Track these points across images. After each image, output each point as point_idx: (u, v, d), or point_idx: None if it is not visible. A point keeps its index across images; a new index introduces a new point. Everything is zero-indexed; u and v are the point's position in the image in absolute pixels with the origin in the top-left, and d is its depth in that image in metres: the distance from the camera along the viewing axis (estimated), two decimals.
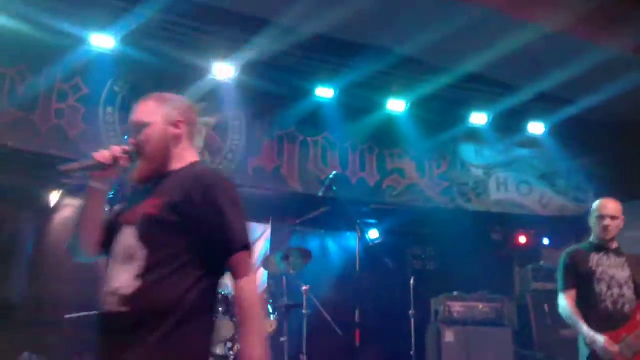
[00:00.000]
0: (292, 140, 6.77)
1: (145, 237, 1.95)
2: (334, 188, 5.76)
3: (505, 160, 7.60)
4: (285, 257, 5.34)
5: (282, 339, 5.09)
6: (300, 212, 7.37)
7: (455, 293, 6.46)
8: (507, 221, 7.67)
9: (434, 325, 6.42)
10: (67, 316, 5.08)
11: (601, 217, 3.75)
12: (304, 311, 5.13)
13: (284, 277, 5.69)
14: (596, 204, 3.83)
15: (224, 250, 1.98)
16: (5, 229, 5.80)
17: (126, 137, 5.51)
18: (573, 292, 3.69)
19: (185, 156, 2.20)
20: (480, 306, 6.31)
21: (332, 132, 6.92)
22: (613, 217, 3.74)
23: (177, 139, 2.19)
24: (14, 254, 5.71)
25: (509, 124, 7.44)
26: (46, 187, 6.20)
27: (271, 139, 6.67)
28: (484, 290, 6.52)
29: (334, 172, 5.85)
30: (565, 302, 3.67)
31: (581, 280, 3.67)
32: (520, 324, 6.73)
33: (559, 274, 3.79)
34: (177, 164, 2.17)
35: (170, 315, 1.88)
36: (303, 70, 6.41)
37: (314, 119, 6.75)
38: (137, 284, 1.90)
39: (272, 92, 6.52)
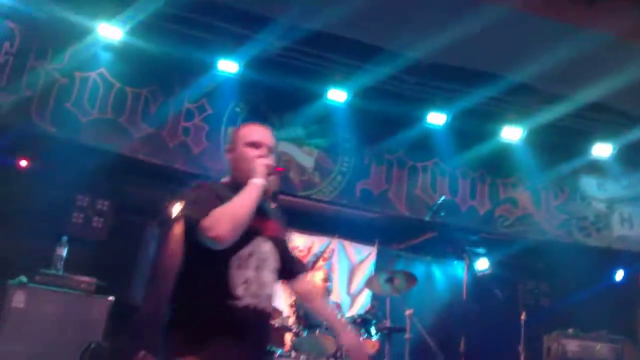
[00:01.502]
0: (402, 165, 6.79)
1: (277, 253, 2.43)
2: (442, 214, 5.69)
3: (630, 195, 7.11)
4: (390, 279, 5.31)
5: None
6: (406, 236, 7.33)
7: (570, 330, 6.08)
8: (630, 260, 7.12)
9: None
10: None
11: None
12: (406, 335, 5.06)
13: (388, 299, 5.66)
14: None
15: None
16: (132, 234, 6.29)
17: None
18: None
19: None
20: (598, 346, 5.88)
21: (443, 159, 6.85)
22: None
23: None
24: (138, 257, 6.16)
25: (635, 157, 6.97)
26: (170, 198, 6.66)
27: (380, 163, 6.73)
28: (603, 330, 6.08)
29: (443, 197, 5.80)
30: None
31: None
32: None
33: None
34: None
35: None
36: (416, 96, 6.44)
37: (425, 145, 6.74)
38: (273, 291, 2.40)
39: (384, 117, 6.59)
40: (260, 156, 2.42)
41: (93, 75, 5.90)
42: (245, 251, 2.30)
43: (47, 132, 5.60)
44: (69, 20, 5.64)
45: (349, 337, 2.49)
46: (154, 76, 6.07)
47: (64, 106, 5.71)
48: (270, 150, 2.49)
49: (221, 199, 2.23)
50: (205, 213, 2.17)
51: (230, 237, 2.17)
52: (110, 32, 5.77)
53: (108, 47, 5.92)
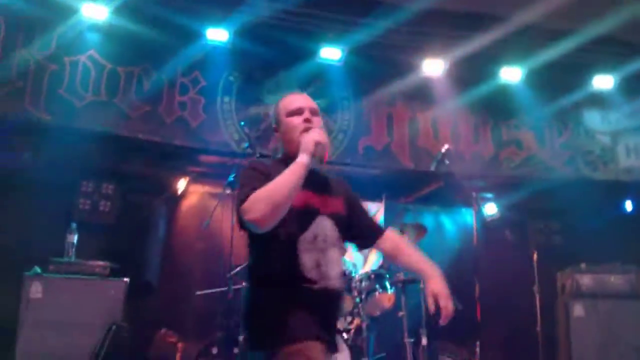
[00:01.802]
0: (402, 117, 6.73)
1: (340, 231, 2.40)
2: (447, 162, 5.67)
3: (634, 125, 7.03)
4: (400, 233, 5.32)
5: (400, 313, 5.12)
6: (412, 189, 7.32)
7: (583, 265, 6.11)
8: (638, 190, 7.10)
9: (561, 300, 6.13)
10: (198, 292, 5.47)
11: None
12: (421, 286, 5.11)
13: None
14: None
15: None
16: (140, 215, 6.33)
17: (242, 123, 5.85)
18: None
19: None
20: (612, 278, 5.90)
21: (442, 106, 6.77)
22: None
23: None
24: (149, 237, 6.21)
25: (637, 86, 6.87)
26: (173, 175, 6.67)
27: (380, 118, 6.67)
28: (616, 262, 6.11)
29: (446, 146, 5.75)
30: None
31: None
32: None
33: None
34: None
35: None
36: (410, 45, 6.34)
37: (424, 94, 6.66)
38: (341, 268, 2.41)
39: (381, 70, 6.51)
40: (306, 120, 2.40)
41: (83, 58, 5.82)
42: (309, 233, 2.29)
43: (43, 121, 5.57)
44: (51, 1, 5.54)
45: (436, 284, 2.44)
46: (144, 53, 5.97)
47: (57, 93, 5.66)
48: (314, 112, 2.46)
49: (271, 179, 2.20)
50: (247, 195, 2.15)
51: (269, 219, 2.13)
52: (95, 11, 5.68)
53: (94, 28, 5.83)
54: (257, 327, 2.26)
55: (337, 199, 2.47)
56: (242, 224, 2.23)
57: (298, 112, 2.43)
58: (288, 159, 2.31)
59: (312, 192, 2.34)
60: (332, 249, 2.34)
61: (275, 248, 2.25)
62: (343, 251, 2.44)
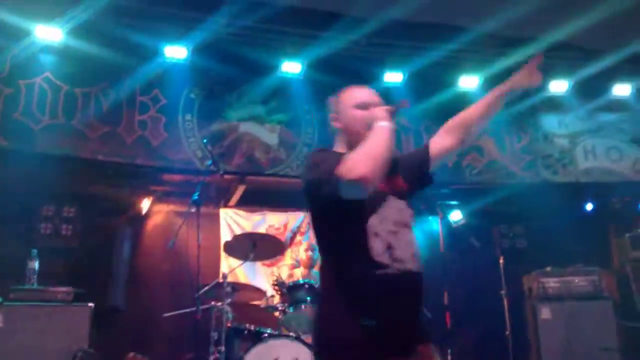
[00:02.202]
0: None
1: (409, 205, 2.33)
2: None
3: (591, 127, 7.22)
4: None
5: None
6: None
7: (548, 268, 6.23)
8: (598, 190, 7.29)
9: (529, 303, 6.23)
10: (166, 314, 5.37)
11: None
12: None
13: None
14: None
15: None
16: (104, 237, 6.21)
17: (205, 141, 5.82)
18: None
19: None
20: (577, 280, 6.04)
21: (404, 117, 6.84)
22: None
23: None
24: (113, 259, 6.09)
25: (591, 89, 7.07)
26: (136, 195, 6.57)
27: None
28: (579, 263, 6.25)
29: None
30: None
31: None
32: (621, 295, 6.39)
33: None
34: None
35: None
36: (371, 58, 6.41)
37: (385, 104, 6.70)
38: (416, 248, 2.26)
39: (342, 83, 6.49)
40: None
41: (38, 80, 5.72)
42: (377, 217, 2.20)
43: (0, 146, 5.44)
44: (4, 22, 5.43)
45: (516, 78, 2.42)
46: (101, 73, 5.89)
47: (12, 117, 5.53)
48: (378, 101, 2.40)
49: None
50: (336, 164, 2.04)
51: (373, 176, 2.03)
52: (49, 33, 5.59)
53: (49, 49, 5.74)
54: (325, 334, 2.17)
55: (397, 176, 2.36)
56: (337, 191, 2.06)
57: (365, 106, 2.38)
58: (350, 150, 2.21)
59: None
60: (405, 229, 2.23)
61: (345, 237, 2.19)
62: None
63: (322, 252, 2.34)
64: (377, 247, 2.14)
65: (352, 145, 2.26)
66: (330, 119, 2.51)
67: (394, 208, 2.26)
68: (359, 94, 2.44)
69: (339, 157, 2.13)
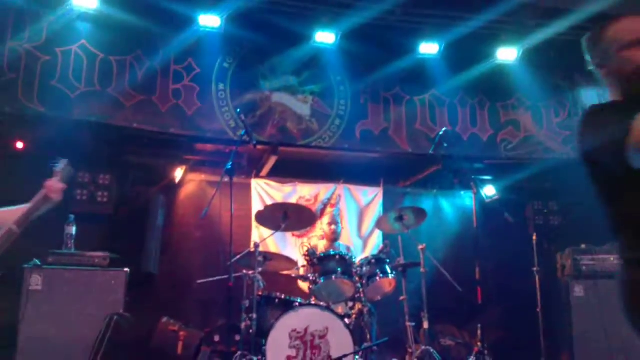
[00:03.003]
0: (399, 101, 6.68)
1: None
2: (445, 145, 5.64)
3: None
4: (399, 217, 5.33)
5: (401, 297, 5.13)
6: (411, 172, 7.31)
7: (583, 246, 6.12)
8: None
9: (562, 280, 6.15)
10: (199, 281, 5.46)
11: None
12: (421, 270, 5.11)
13: (399, 237, 5.70)
14: None
15: None
16: (138, 204, 6.31)
17: (238, 110, 5.82)
18: None
19: None
20: (612, 258, 5.92)
21: (439, 89, 6.73)
22: None
23: None
24: (147, 226, 6.18)
25: None
26: (170, 164, 6.64)
27: (377, 102, 6.62)
28: (614, 242, 6.11)
29: (444, 129, 5.73)
30: None
31: None
32: None
33: None
34: None
35: None
36: (406, 28, 6.27)
37: (420, 77, 6.60)
38: None
39: (376, 54, 6.45)
40: None
41: (74, 48, 5.75)
42: None
43: (37, 112, 5.51)
44: None
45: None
46: (136, 41, 5.90)
47: (50, 84, 5.59)
48: None
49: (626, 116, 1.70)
50: (620, 126, 1.71)
51: None
52: (85, 1, 5.60)
53: (85, 17, 5.75)
54: None
55: None
56: (627, 162, 1.74)
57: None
58: (629, 100, 1.91)
59: None
60: None
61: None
62: None
63: (621, 220, 2.02)
64: None
65: (631, 91, 1.92)
66: (593, 64, 2.08)
67: None
68: (633, 29, 1.95)
69: (622, 114, 1.74)
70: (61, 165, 3.17)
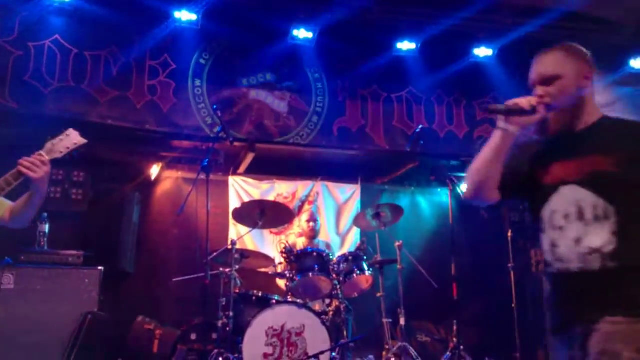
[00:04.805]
0: (376, 99, 6.69)
1: (609, 194, 1.92)
2: (422, 142, 5.69)
3: (605, 101, 7.10)
4: (376, 214, 5.36)
5: (378, 294, 5.15)
6: (388, 170, 7.34)
7: None
8: None
9: (536, 276, 6.23)
10: (175, 279, 5.43)
11: None
12: (398, 266, 5.15)
13: (377, 234, 5.72)
14: None
15: None
16: (113, 202, 6.22)
17: (215, 107, 5.77)
18: None
19: (594, 111, 2.12)
20: None
21: (416, 86, 6.76)
22: None
23: (588, 93, 2.13)
24: (123, 224, 6.11)
25: (607, 62, 6.92)
26: (146, 161, 6.57)
27: (355, 99, 6.63)
28: None
29: (420, 126, 5.77)
30: None
31: None
32: None
33: None
34: (588, 119, 2.11)
35: None
36: (383, 25, 6.29)
37: (397, 75, 6.63)
38: (616, 241, 1.87)
39: (354, 52, 6.47)
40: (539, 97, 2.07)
41: (47, 43, 5.65)
42: (547, 210, 2.02)
43: (9, 109, 5.41)
44: None
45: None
46: (111, 36, 5.82)
47: (22, 79, 5.49)
48: (544, 81, 2.11)
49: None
50: None
51: (469, 195, 2.10)
52: None
53: (59, 12, 5.66)
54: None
55: (601, 155, 1.96)
56: None
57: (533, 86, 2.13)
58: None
59: (561, 160, 2.03)
60: (578, 223, 1.93)
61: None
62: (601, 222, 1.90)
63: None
64: (544, 245, 2.05)
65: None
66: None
67: (568, 199, 1.99)
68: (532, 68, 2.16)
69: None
70: (61, 136, 2.62)
